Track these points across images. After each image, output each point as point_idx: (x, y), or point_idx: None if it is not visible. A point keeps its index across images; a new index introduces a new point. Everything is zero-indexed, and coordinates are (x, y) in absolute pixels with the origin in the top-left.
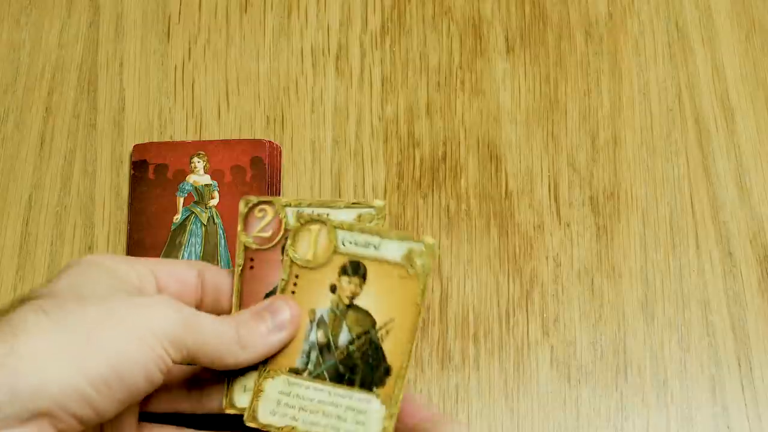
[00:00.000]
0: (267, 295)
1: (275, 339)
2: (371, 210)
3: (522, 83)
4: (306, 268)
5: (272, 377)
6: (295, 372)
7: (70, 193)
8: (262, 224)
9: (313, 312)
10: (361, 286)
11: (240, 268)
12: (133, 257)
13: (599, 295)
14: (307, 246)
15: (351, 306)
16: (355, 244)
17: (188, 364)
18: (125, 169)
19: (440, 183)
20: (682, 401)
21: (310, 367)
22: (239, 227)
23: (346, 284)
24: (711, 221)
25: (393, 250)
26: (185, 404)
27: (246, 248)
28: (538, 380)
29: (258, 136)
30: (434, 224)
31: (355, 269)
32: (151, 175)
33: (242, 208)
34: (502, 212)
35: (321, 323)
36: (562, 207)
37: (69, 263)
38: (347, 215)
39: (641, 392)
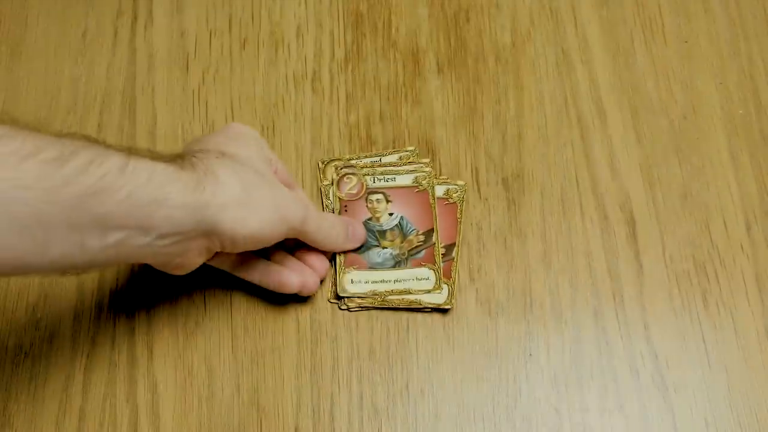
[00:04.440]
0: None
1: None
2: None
3: (450, 95)
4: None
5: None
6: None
7: None
8: (350, 185)
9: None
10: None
11: (338, 212)
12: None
13: (510, 250)
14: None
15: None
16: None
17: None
18: None
19: None
20: (573, 326)
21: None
22: (334, 188)
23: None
24: (591, 193)
25: (405, 179)
26: (255, 275)
27: (340, 200)
28: (467, 314)
29: None
30: None
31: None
32: None
33: (335, 175)
34: None
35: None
36: (481, 186)
37: (227, 126)
38: (406, 177)
39: (543, 320)
